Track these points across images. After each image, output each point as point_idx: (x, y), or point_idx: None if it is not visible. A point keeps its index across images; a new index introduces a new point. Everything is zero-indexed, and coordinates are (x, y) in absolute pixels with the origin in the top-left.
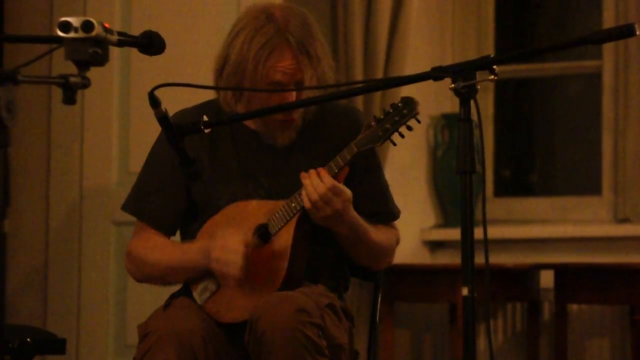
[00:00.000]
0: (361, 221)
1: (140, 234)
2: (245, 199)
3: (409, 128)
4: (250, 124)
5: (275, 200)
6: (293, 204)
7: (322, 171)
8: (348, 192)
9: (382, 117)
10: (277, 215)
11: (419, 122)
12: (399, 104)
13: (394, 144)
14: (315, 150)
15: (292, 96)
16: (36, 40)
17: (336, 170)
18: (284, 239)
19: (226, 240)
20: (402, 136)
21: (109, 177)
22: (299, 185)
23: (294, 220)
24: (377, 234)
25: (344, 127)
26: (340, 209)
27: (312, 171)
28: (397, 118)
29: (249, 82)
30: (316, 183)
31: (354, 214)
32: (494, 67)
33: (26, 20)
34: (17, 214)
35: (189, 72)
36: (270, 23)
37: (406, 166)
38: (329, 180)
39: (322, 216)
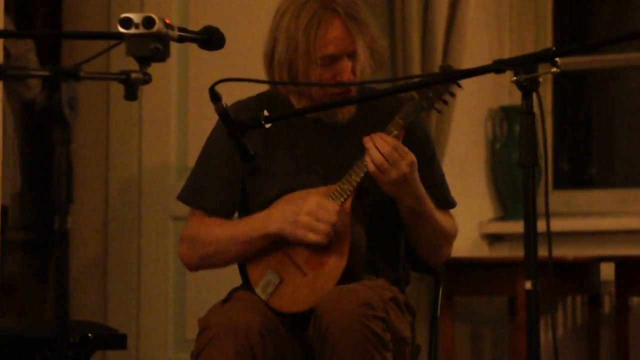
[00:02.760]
0: (426, 196)
1: (195, 219)
2: (299, 189)
3: (452, 94)
4: None
5: (331, 185)
6: (353, 176)
7: (382, 134)
8: (412, 155)
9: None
10: (336, 191)
11: (460, 86)
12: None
13: (439, 112)
14: (371, 131)
15: (348, 70)
16: (97, 36)
17: None
18: (341, 222)
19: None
20: (446, 103)
21: (168, 172)
22: (360, 159)
23: (349, 202)
24: (440, 215)
25: (396, 110)
26: (406, 172)
27: (373, 134)
28: (438, 86)
29: (301, 60)
30: (380, 143)
31: (419, 183)
32: (556, 59)
33: (84, 17)
34: (77, 210)
35: (247, 67)
36: None
37: (464, 159)
38: (392, 140)
39: (388, 180)
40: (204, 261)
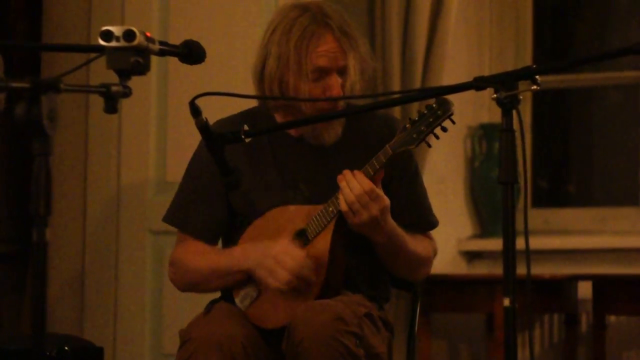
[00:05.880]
0: (400, 231)
1: (182, 243)
2: (285, 205)
3: (444, 129)
4: (291, 130)
5: (314, 205)
6: (330, 208)
7: (358, 173)
8: (386, 199)
9: (416, 119)
10: (314, 219)
11: (453, 122)
12: (433, 105)
13: (429, 146)
14: (356, 154)
15: (337, 85)
16: (78, 49)
17: (372, 173)
18: (322, 244)
19: (275, 248)
20: (437, 137)
21: (146, 186)
22: (338, 191)
23: (331, 225)
24: (416, 244)
25: (381, 133)
26: (377, 216)
27: (347, 172)
28: (431, 119)
29: (292, 74)
30: (352, 184)
31: (392, 223)
32: (537, 77)
33: (64, 29)
34: (54, 222)
35: (227, 81)
36: (306, 12)
37: (443, 177)
38: (366, 182)
39: (358, 221)
40: (190, 287)
